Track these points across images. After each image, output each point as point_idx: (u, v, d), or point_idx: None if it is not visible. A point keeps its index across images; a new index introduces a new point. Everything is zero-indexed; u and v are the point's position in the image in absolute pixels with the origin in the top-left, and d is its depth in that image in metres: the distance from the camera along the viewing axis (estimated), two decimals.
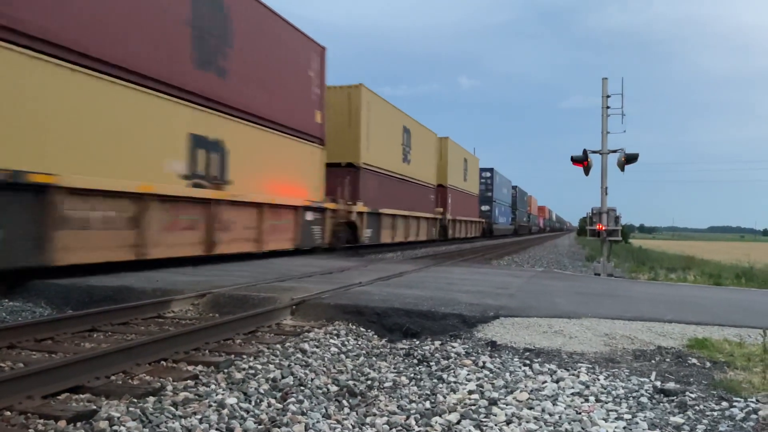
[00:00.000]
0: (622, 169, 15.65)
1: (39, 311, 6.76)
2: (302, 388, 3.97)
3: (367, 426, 3.39)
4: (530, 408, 3.66)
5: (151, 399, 3.47)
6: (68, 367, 3.70)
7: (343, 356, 4.95)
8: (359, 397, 3.93)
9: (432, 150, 29.16)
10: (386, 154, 21.47)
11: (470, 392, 3.97)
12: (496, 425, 3.37)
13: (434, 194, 29.28)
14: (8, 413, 3.17)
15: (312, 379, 4.16)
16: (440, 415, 3.57)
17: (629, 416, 3.52)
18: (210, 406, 3.43)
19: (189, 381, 3.90)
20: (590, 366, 4.57)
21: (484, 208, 44.45)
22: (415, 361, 4.92)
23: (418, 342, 5.53)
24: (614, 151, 15.81)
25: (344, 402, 3.83)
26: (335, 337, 5.51)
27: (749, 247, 53.56)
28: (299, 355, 4.77)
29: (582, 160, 15.78)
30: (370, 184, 19.66)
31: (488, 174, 45.80)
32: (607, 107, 16.06)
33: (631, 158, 15.59)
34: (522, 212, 67.49)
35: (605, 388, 4.02)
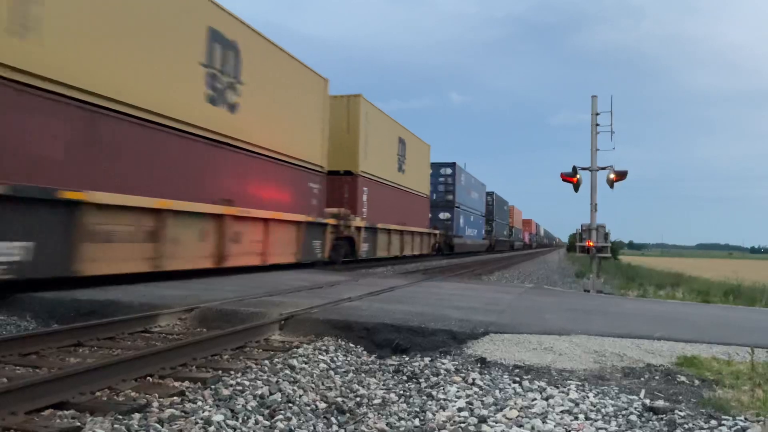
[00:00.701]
0: (612, 186, 15.77)
1: (24, 325, 6.67)
2: (290, 404, 3.93)
3: None
4: (520, 426, 3.64)
5: (137, 416, 3.42)
6: (52, 382, 3.64)
7: (332, 372, 4.91)
8: (348, 415, 3.90)
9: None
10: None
11: (460, 409, 3.95)
12: None
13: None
14: None
15: (300, 396, 4.12)
16: None
17: None
18: (196, 423, 3.39)
19: (175, 397, 3.85)
20: (580, 383, 4.56)
21: (444, 216, 34.24)
22: (405, 377, 4.89)
23: (407, 358, 5.51)
24: (603, 168, 15.94)
25: (333, 419, 3.80)
26: (324, 353, 5.47)
27: (737, 265, 53.91)
28: (287, 371, 4.72)
29: (572, 177, 15.89)
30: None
31: (448, 171, 34.37)
32: (597, 124, 16.21)
33: (620, 175, 15.72)
34: (501, 224, 57.70)
35: (595, 406, 4.01)
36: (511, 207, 66.76)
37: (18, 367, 4.58)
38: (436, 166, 33.35)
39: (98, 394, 3.83)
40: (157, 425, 3.29)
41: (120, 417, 3.39)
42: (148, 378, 4.30)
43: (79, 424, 3.24)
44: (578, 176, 15.88)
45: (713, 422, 3.70)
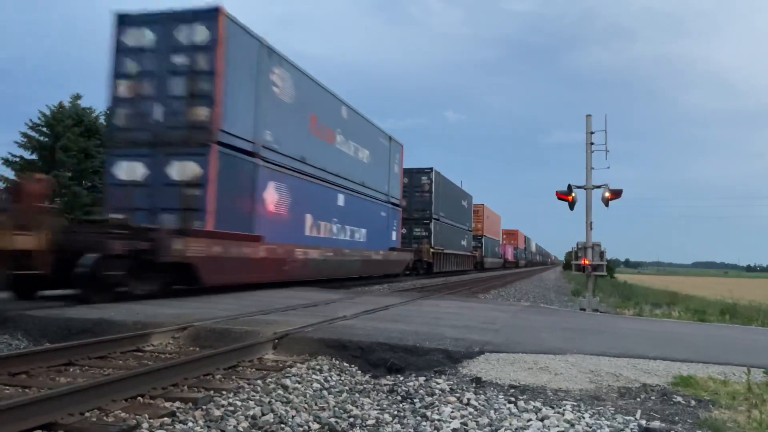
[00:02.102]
0: (607, 205, 15.82)
1: (15, 343, 6.60)
2: (282, 425, 3.88)
3: None
4: None
5: None
6: (41, 402, 3.59)
7: (325, 392, 4.86)
8: None
9: None
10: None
11: (454, 430, 3.90)
12: None
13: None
14: None
15: (293, 416, 4.07)
16: None
17: None
18: None
19: (166, 418, 3.80)
20: (575, 403, 4.52)
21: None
22: (399, 397, 4.84)
23: (402, 378, 5.46)
24: (599, 187, 16.00)
25: None
26: (318, 373, 5.42)
27: (733, 283, 53.96)
28: (280, 391, 4.67)
29: (567, 195, 15.93)
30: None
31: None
32: (591, 143, 16.30)
33: (615, 194, 15.77)
34: (457, 231, 39.55)
35: (590, 427, 3.97)
36: (481, 207, 50.09)
37: (7, 387, 4.52)
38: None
39: (87, 414, 3.78)
40: None
41: None
42: (139, 398, 4.25)
43: None
44: (573, 194, 15.93)
45: None
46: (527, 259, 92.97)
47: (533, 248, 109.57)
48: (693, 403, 4.64)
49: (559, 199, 16.02)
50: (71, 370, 5.23)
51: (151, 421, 3.71)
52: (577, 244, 16.12)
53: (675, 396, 4.80)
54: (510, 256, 71.41)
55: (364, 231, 20.56)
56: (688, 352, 6.67)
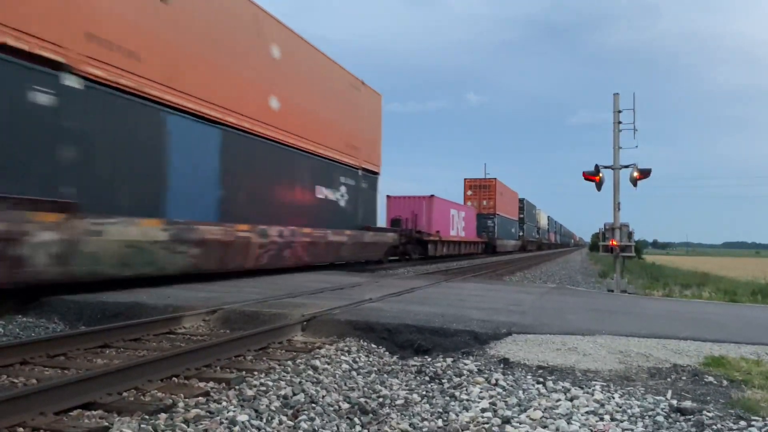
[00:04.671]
0: (635, 185, 15.57)
1: (52, 327, 6.79)
2: (313, 405, 3.94)
3: None
4: (544, 427, 3.61)
5: (163, 416, 3.46)
6: (80, 383, 3.71)
7: (354, 373, 4.92)
8: (371, 415, 3.90)
9: None
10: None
11: (483, 410, 3.93)
12: None
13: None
14: (21, 429, 3.18)
15: (323, 396, 4.14)
16: None
17: None
18: (221, 423, 3.42)
19: (200, 398, 3.89)
20: (605, 384, 4.51)
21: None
22: (427, 378, 4.88)
23: (429, 359, 5.49)
24: (626, 167, 15.74)
25: (356, 420, 3.80)
26: (346, 354, 5.48)
27: (765, 263, 52.86)
28: (310, 372, 4.75)
29: (594, 176, 15.71)
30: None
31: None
32: (619, 122, 16.01)
33: (643, 173, 15.50)
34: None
35: (620, 407, 3.96)
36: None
37: (46, 369, 4.66)
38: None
39: (125, 394, 3.89)
40: (183, 425, 3.33)
41: (147, 417, 3.43)
42: (174, 378, 4.36)
43: (106, 424, 3.30)
44: (601, 175, 15.70)
45: (742, 423, 3.63)
46: (532, 240, 65.03)
47: (543, 224, 78.36)
48: (725, 383, 4.60)
49: (586, 179, 15.81)
50: (107, 352, 5.37)
51: (187, 400, 3.80)
52: (605, 225, 15.92)
53: (706, 376, 4.75)
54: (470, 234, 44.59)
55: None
56: (719, 333, 6.59)
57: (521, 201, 58.74)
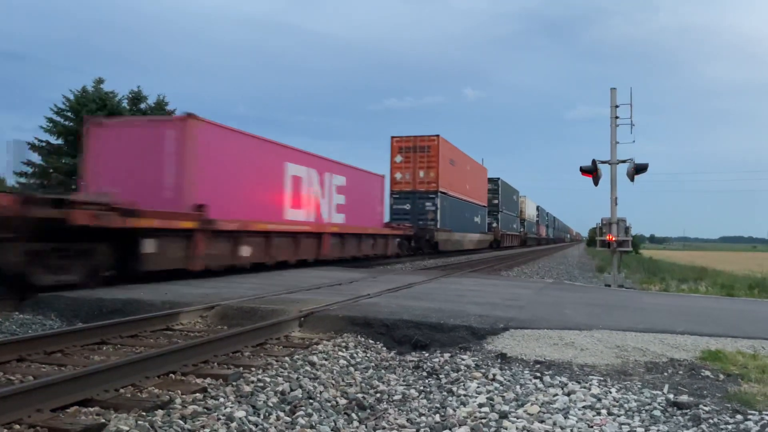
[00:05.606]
0: (632, 179, 15.57)
1: (49, 324, 6.78)
2: (311, 401, 3.94)
3: None
4: (541, 421, 3.62)
5: (160, 412, 3.46)
6: (77, 380, 3.70)
7: (352, 369, 4.92)
8: (368, 410, 3.91)
9: None
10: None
11: (480, 405, 3.93)
12: None
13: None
14: (17, 426, 3.17)
15: (321, 392, 4.14)
16: (450, 429, 3.54)
17: (642, 430, 3.48)
18: (219, 419, 3.42)
19: (197, 394, 3.88)
20: (602, 378, 4.52)
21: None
22: (425, 373, 4.88)
23: (427, 354, 5.50)
24: (624, 161, 15.74)
25: (353, 415, 3.81)
26: (344, 350, 5.48)
27: (762, 258, 52.97)
28: (308, 368, 4.74)
29: (591, 171, 15.72)
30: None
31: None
32: (616, 117, 16.00)
33: (640, 168, 15.51)
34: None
35: (617, 401, 3.97)
36: (494, 179, 44.46)
37: (43, 365, 4.66)
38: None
39: (122, 391, 3.88)
40: (180, 421, 3.32)
41: (144, 414, 3.43)
42: (171, 375, 4.35)
43: (103, 420, 3.29)
44: (598, 170, 15.71)
45: (739, 417, 3.64)
46: (512, 234, 51.40)
47: (530, 214, 64.78)
48: (721, 377, 4.61)
49: (583, 175, 15.82)
50: (104, 348, 5.36)
51: (184, 396, 3.80)
52: (602, 220, 15.94)
53: (703, 370, 4.77)
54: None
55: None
56: (716, 327, 6.61)
57: (494, 182, 43.99)
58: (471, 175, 35.21)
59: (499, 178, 44.99)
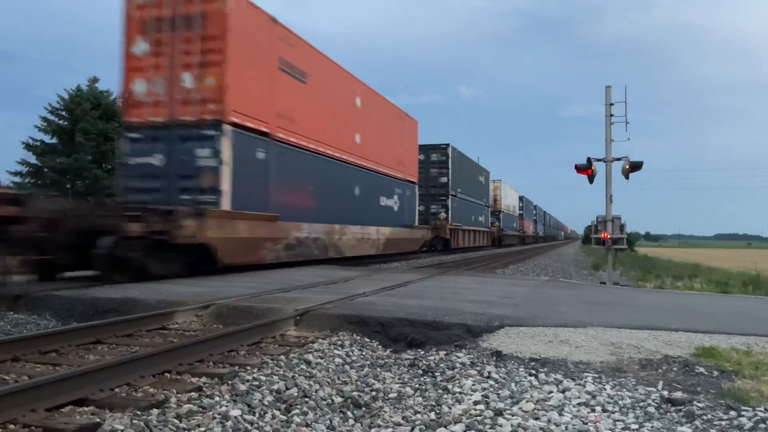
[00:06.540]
0: (627, 177, 15.61)
1: (44, 323, 6.76)
2: (306, 399, 3.95)
3: None
4: (536, 418, 3.63)
5: (155, 411, 3.46)
6: (72, 379, 3.69)
7: (347, 367, 4.93)
8: (364, 409, 3.91)
9: None
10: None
11: (476, 403, 3.94)
12: None
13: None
14: (12, 426, 3.16)
15: (316, 391, 4.14)
16: (445, 426, 3.55)
17: (636, 426, 3.49)
18: (214, 418, 3.42)
19: (193, 393, 3.88)
20: (597, 375, 4.54)
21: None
22: (420, 371, 4.89)
23: (422, 352, 5.51)
24: (618, 159, 15.77)
25: (349, 413, 3.81)
26: (339, 348, 5.49)
27: (756, 255, 53.21)
28: (303, 366, 4.75)
29: (586, 169, 15.74)
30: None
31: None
32: (611, 115, 16.04)
33: (635, 166, 15.54)
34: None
35: (612, 398, 3.98)
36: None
37: (38, 365, 4.64)
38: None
39: (117, 390, 3.88)
40: (176, 420, 3.32)
41: (139, 413, 3.43)
42: (166, 374, 4.35)
43: (98, 420, 3.29)
44: (593, 168, 15.74)
45: (732, 413, 3.66)
46: (480, 230, 39.92)
47: (509, 205, 53.11)
48: (715, 373, 4.63)
49: (579, 172, 15.84)
50: (99, 347, 5.35)
51: (179, 395, 3.79)
52: (597, 218, 15.97)
53: (697, 367, 4.79)
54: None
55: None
56: (710, 324, 6.63)
57: (440, 149, 31.76)
58: (394, 133, 22.03)
59: (449, 145, 31.88)
